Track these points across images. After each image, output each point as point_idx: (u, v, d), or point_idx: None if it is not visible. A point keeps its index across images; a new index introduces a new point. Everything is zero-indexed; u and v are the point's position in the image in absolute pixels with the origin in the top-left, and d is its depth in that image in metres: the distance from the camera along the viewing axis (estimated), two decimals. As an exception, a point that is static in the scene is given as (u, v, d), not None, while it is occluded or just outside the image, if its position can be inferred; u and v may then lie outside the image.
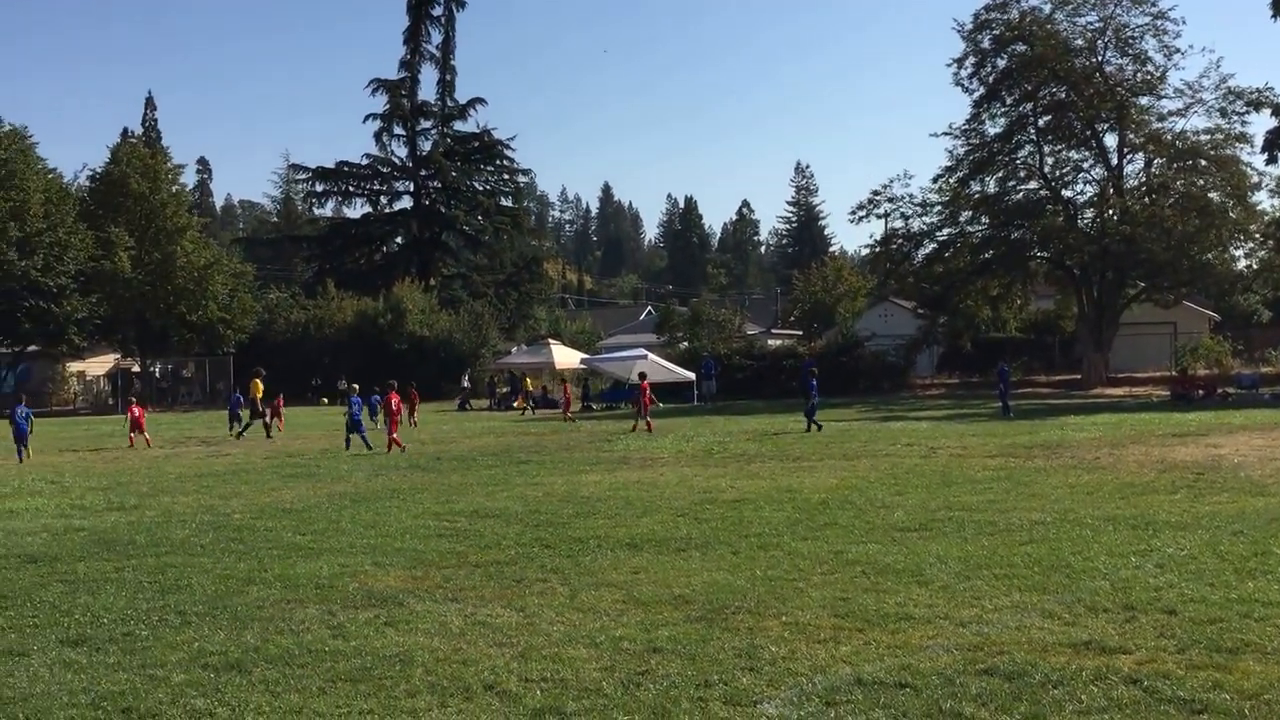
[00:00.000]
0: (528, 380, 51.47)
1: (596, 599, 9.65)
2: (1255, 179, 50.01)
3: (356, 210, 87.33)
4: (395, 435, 26.61)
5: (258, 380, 35.25)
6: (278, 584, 10.68)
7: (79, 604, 9.98)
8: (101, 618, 9.43)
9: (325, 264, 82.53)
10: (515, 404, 48.36)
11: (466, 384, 55.27)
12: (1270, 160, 49.20)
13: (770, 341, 62.17)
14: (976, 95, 51.91)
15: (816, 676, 7.23)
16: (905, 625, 8.43)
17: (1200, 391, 38.29)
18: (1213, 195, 49.38)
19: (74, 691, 7.37)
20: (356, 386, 29.21)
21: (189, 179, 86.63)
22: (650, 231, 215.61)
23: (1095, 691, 6.70)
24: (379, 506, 16.23)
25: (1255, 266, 52.32)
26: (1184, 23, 67.47)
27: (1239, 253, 52.66)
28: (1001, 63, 51.29)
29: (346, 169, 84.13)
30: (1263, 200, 53.73)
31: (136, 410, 31.76)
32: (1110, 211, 49.60)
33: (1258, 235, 50.34)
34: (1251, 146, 49.18)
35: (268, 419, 33.52)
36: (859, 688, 6.95)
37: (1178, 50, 49.54)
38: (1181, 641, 7.70)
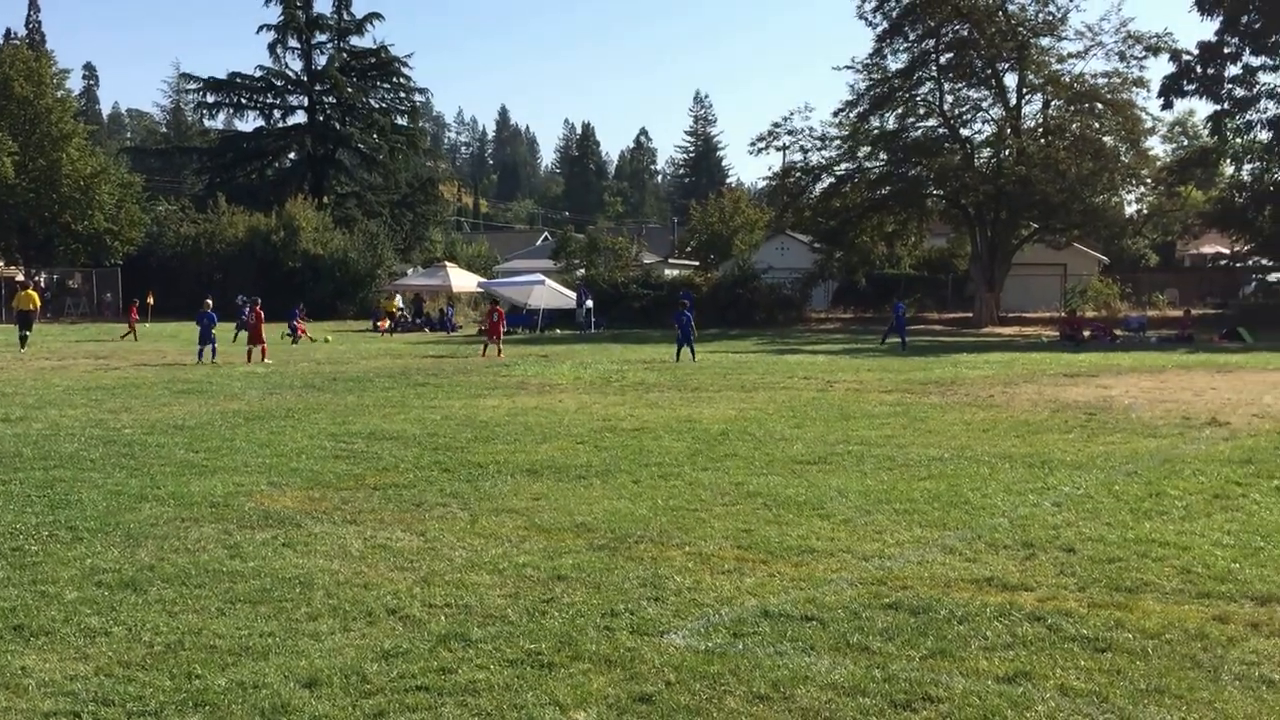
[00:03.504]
0: (393, 301, 50.95)
1: (498, 525, 9.54)
2: (1149, 124, 51.31)
3: (249, 124, 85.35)
4: (262, 347, 28.87)
5: (31, 291, 35.55)
6: (171, 501, 10.43)
7: (-39, 517, 9.58)
8: (-14, 532, 9.09)
9: (216, 177, 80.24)
10: (379, 325, 47.56)
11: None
12: (1165, 106, 50.45)
13: (667, 271, 62.13)
14: (879, 29, 51.89)
15: (723, 608, 7.20)
16: (809, 558, 8.44)
17: (1087, 333, 39.21)
18: (1107, 139, 50.30)
19: (-40, 607, 7.08)
20: (210, 302, 30.54)
21: (75, 85, 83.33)
22: (547, 157, 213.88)
23: (1000, 628, 6.75)
24: (273, 425, 15.88)
25: (1145, 211, 53.71)
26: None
27: (1130, 197, 54.07)
28: (905, -3, 51.32)
29: (239, 81, 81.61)
30: (1155, 145, 55.27)
31: None
32: (1007, 152, 50.24)
33: (1149, 180, 51.59)
34: (1148, 91, 50.21)
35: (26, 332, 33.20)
36: (766, 620, 6.93)
37: (1080, -9, 50.23)
38: (1081, 580, 7.80)
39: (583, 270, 56.79)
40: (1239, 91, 48.22)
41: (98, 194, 60.93)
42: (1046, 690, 5.80)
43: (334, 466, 12.44)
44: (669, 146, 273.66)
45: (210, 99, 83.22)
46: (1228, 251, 55.54)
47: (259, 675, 6.05)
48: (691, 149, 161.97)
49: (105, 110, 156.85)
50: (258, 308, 29.90)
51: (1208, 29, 48.36)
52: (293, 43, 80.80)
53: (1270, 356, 28.60)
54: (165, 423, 16.15)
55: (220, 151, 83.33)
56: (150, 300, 51.31)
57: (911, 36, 51.69)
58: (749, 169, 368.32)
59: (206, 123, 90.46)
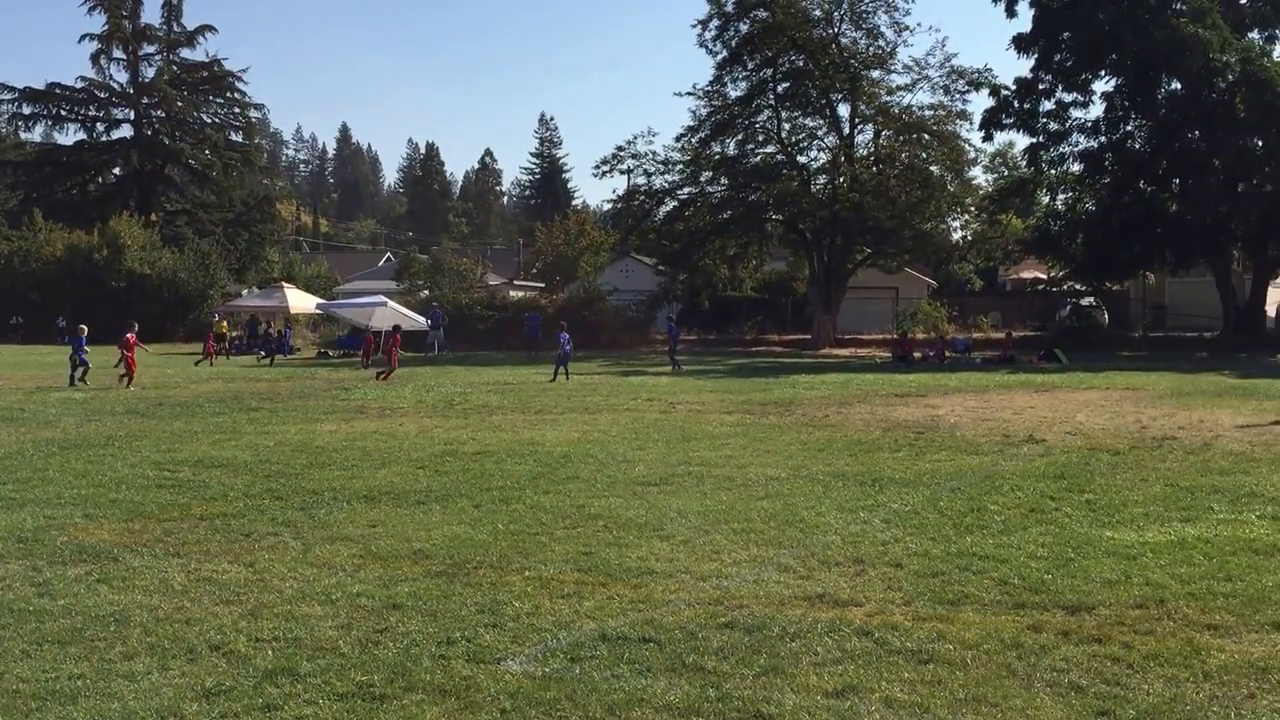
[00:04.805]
0: (224, 324, 49.73)
1: (332, 554, 9.32)
2: (972, 155, 53.83)
3: (69, 136, 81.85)
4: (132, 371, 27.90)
5: None
6: (-26, 538, 9.85)
7: None
8: None
9: (32, 192, 77.05)
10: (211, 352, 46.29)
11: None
12: (986, 138, 52.75)
13: (512, 293, 61.99)
14: (720, 58, 52.95)
15: (561, 632, 7.17)
16: (647, 579, 8.47)
17: (917, 354, 40.42)
18: (934, 168, 52.29)
19: None
20: (85, 328, 29.41)
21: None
22: (390, 176, 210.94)
23: (830, 643, 6.89)
24: (92, 454, 15.21)
25: (969, 237, 55.91)
26: (913, 1, 71.53)
27: (955, 224, 56.20)
28: (744, 27, 52.34)
29: (59, 91, 78.57)
30: (978, 175, 57.83)
31: None
32: (841, 179, 51.66)
33: (973, 208, 53.84)
34: (970, 124, 52.47)
35: None
36: (603, 643, 6.94)
37: (907, 28, 52.25)
38: (908, 594, 8.02)
39: (426, 292, 56.28)
40: (1053, 126, 50.73)
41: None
42: (872, 703, 5.94)
43: (157, 496, 11.98)
44: (514, 168, 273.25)
45: (26, 110, 79.81)
46: (1045, 276, 58.08)
47: (67, 720, 5.79)
48: (537, 171, 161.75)
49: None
50: (132, 334, 29.11)
51: (1024, 66, 50.82)
52: (118, 53, 78.33)
53: (1084, 376, 29.91)
54: (-28, 452, 15.35)
55: (37, 165, 79.91)
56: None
57: (750, 66, 52.84)
58: (594, 192, 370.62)
59: (22, 135, 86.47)
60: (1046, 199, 56.47)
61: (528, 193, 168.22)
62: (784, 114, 53.51)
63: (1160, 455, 14.63)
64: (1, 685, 6.24)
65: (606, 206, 77.73)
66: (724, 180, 53.47)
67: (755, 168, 53.04)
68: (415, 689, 6.19)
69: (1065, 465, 13.83)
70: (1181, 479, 12.67)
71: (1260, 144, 45.37)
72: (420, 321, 47.44)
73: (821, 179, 53.72)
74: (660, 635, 7.06)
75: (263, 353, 43.10)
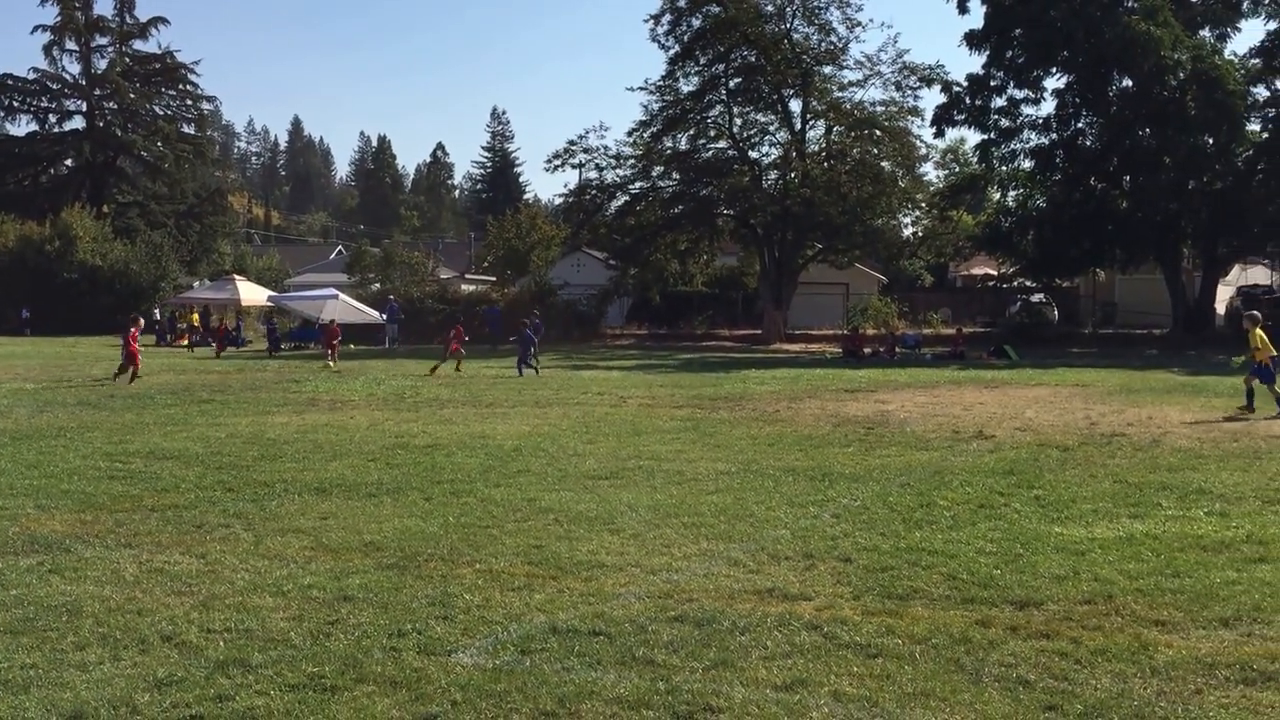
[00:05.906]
0: (194, 316, 49.41)
1: (283, 545, 9.33)
2: (923, 151, 54.09)
3: (21, 128, 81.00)
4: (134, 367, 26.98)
5: None
6: (-78, 530, 9.76)
7: None
8: None
9: (-17, 184, 76.09)
10: (181, 340, 45.97)
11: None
12: (938, 134, 52.89)
13: (464, 286, 61.77)
14: (672, 53, 52.96)
15: (511, 625, 7.22)
16: (598, 573, 8.53)
17: (867, 350, 40.68)
18: (885, 164, 52.57)
19: None
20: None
21: None
22: (341, 169, 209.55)
23: (779, 637, 6.97)
24: (43, 445, 15.10)
25: (920, 234, 56.30)
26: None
27: (906, 220, 56.57)
28: (697, 22, 52.34)
29: (10, 82, 77.82)
30: (929, 172, 58.25)
31: None
32: (792, 174, 51.87)
33: (924, 204, 54.21)
34: (922, 120, 52.86)
35: None
36: (554, 636, 6.98)
37: (859, 24, 52.46)
38: (857, 588, 8.10)
39: (378, 285, 56.03)
40: (1004, 122, 51.00)
41: None
42: (821, 697, 6.02)
43: (109, 487, 11.92)
44: (466, 162, 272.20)
45: (-22, 101, 78.88)
46: (995, 273, 58.56)
47: (18, 710, 5.78)
48: (489, 164, 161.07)
49: None
50: (135, 329, 28.27)
51: (976, 63, 51.08)
52: (71, 45, 77.84)
53: (1033, 373, 30.21)
54: (-80, 444, 15.17)
55: (-12, 156, 79.00)
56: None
57: (702, 61, 52.86)
58: (546, 186, 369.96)
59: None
60: (997, 195, 56.93)
61: (479, 186, 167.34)
62: (736, 109, 53.62)
63: (1109, 452, 14.80)
64: (-51, 677, 6.22)
65: (558, 200, 77.61)
66: (675, 175, 53.49)
67: (707, 163, 53.13)
68: (366, 680, 6.22)
69: (1014, 461, 13.98)
70: (1130, 475, 12.81)
71: (1211, 142, 45.88)
72: (371, 315, 47.26)
73: (773, 174, 53.88)
74: (610, 628, 7.11)
75: (278, 348, 42.64)
